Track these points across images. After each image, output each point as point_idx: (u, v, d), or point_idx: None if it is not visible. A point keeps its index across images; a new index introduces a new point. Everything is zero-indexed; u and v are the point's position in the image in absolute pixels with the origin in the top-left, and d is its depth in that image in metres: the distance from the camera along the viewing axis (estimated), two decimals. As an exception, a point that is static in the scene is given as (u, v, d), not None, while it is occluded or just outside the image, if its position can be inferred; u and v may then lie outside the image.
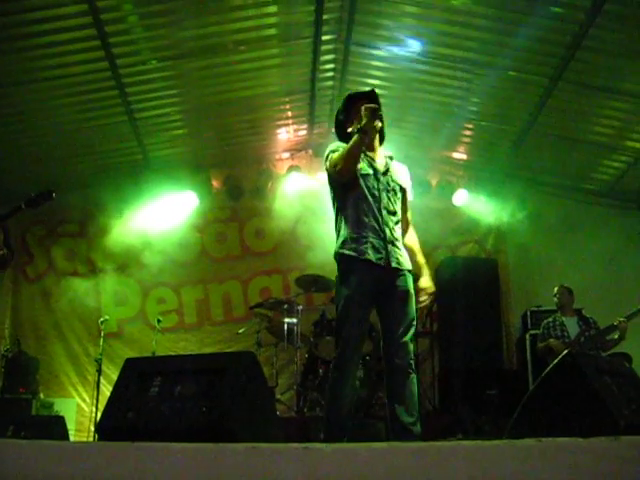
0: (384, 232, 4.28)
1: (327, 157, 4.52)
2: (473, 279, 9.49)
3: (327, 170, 4.51)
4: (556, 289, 8.09)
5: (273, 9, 7.76)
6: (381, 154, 4.58)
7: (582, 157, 9.74)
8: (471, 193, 10.43)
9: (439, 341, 9.77)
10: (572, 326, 7.77)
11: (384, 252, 4.24)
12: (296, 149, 10.86)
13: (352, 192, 4.38)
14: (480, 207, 10.55)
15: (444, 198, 10.49)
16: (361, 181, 4.37)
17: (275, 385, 8.40)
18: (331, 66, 9.13)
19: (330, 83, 9.50)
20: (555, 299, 8.09)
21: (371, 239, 4.26)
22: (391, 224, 4.35)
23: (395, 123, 9.68)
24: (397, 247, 4.33)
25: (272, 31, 8.09)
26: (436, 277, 10.14)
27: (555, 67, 7.97)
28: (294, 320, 8.50)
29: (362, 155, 4.41)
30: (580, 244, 9.83)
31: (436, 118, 9.67)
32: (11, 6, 6.80)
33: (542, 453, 2.27)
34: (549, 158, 9.89)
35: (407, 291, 4.26)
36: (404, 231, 4.58)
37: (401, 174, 4.63)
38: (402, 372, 4.11)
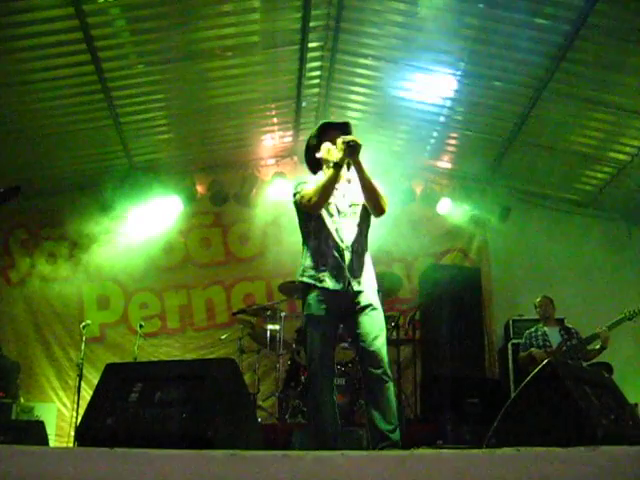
0: (344, 258, 4.34)
1: (297, 190, 4.57)
2: (456, 287, 9.51)
3: (296, 202, 4.56)
4: (538, 300, 8.13)
5: (260, 16, 7.76)
6: (343, 180, 4.61)
7: (566, 167, 9.80)
8: (455, 202, 10.46)
9: (422, 349, 9.79)
10: (554, 336, 7.80)
11: (343, 280, 4.31)
12: (281, 155, 10.87)
13: (316, 221, 4.47)
14: (464, 216, 10.59)
15: (428, 206, 10.53)
16: (323, 210, 4.45)
17: (257, 392, 8.38)
18: (317, 73, 9.15)
19: (316, 90, 9.52)
20: (537, 309, 8.13)
21: (330, 267, 4.34)
22: (353, 247, 4.40)
23: (380, 131, 9.73)
24: (360, 269, 4.40)
25: (259, 38, 8.08)
26: (419, 285, 10.20)
27: (540, 78, 8.03)
28: (277, 327, 8.49)
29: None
30: (563, 254, 9.89)
31: (421, 127, 9.70)
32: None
33: (520, 462, 2.29)
34: (533, 168, 9.95)
35: (369, 304, 4.31)
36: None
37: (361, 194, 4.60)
38: (377, 380, 4.15)
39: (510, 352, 9.00)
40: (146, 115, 9.19)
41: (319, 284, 4.32)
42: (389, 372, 4.21)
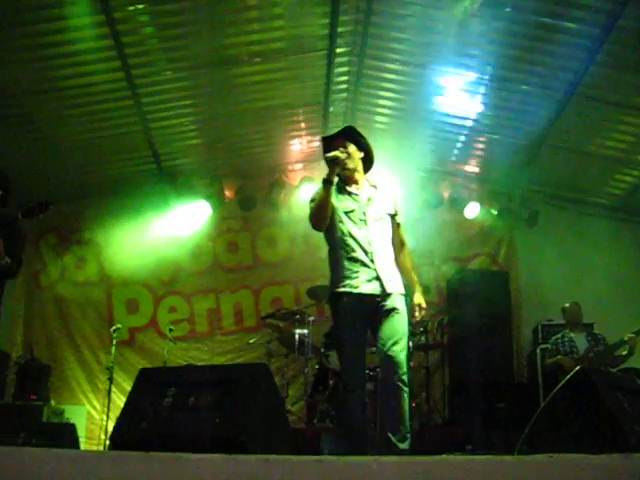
0: (373, 264, 4.42)
1: (309, 207, 4.70)
2: (484, 292, 9.45)
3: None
4: (567, 306, 8.09)
5: (287, 22, 7.78)
6: (365, 185, 4.71)
7: (594, 171, 9.72)
8: (483, 206, 10.42)
9: (450, 353, 9.74)
10: (581, 342, 7.76)
11: (376, 283, 4.39)
12: (309, 160, 10.88)
13: (338, 232, 4.54)
14: (492, 220, 10.54)
15: (456, 211, 10.49)
16: (345, 218, 4.54)
17: (285, 396, 8.39)
18: (345, 78, 9.15)
19: (344, 95, 9.53)
20: (565, 315, 8.09)
21: (360, 274, 4.41)
22: (381, 252, 4.48)
23: (407, 135, 9.72)
24: (388, 273, 4.46)
25: (286, 44, 8.11)
26: (447, 290, 10.16)
27: (569, 81, 7.98)
28: (305, 331, 8.50)
29: (344, 193, 4.62)
30: (591, 258, 9.79)
31: (448, 131, 9.69)
32: (28, 16, 6.87)
33: (553, 469, 2.28)
34: (561, 172, 9.89)
35: (393, 308, 4.37)
36: (398, 252, 4.70)
37: (387, 200, 4.72)
38: (391, 386, 4.16)
39: (539, 357, 8.94)
40: (175, 121, 9.25)
41: (354, 290, 4.37)
42: (405, 379, 4.20)
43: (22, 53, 7.33)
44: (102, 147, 9.35)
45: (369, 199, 4.61)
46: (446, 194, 10.53)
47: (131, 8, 7.13)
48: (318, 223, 4.55)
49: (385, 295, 4.37)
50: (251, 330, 10.19)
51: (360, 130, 4.88)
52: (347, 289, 4.41)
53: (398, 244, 4.71)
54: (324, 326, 8.74)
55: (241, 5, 7.43)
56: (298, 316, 8.64)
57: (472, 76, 8.36)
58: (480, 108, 8.98)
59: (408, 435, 4.09)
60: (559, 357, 7.68)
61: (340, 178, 4.63)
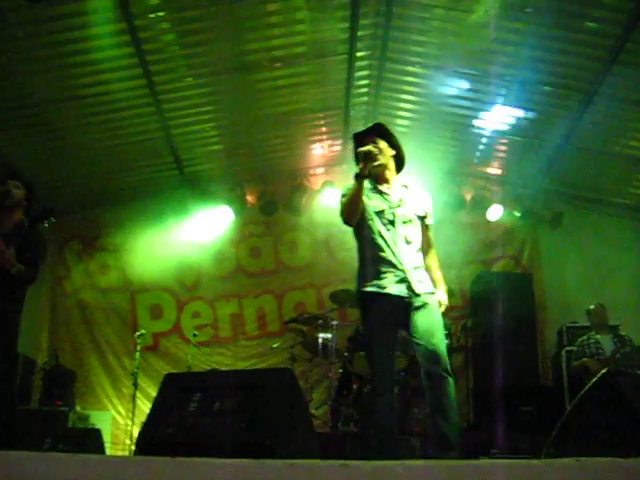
0: (402, 264, 4.38)
1: (339, 202, 4.70)
2: (508, 294, 9.39)
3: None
4: (592, 307, 8.03)
5: (308, 26, 7.80)
6: (396, 185, 4.67)
7: (618, 172, 9.65)
8: (506, 208, 10.37)
9: (474, 357, 9.70)
10: (607, 344, 7.70)
11: (405, 284, 4.35)
12: (330, 164, 10.89)
13: (367, 230, 4.51)
14: (515, 222, 10.49)
15: (478, 213, 10.45)
16: (375, 218, 4.50)
17: (310, 400, 8.39)
18: (365, 82, 9.16)
19: (365, 99, 9.53)
20: (590, 317, 8.03)
21: (390, 274, 4.37)
22: (409, 254, 4.45)
23: (428, 138, 9.70)
24: (416, 274, 4.42)
25: (307, 48, 8.13)
26: (471, 292, 10.11)
27: (591, 82, 7.92)
28: (328, 335, 8.48)
29: (375, 192, 4.59)
30: (616, 259, 9.73)
31: (470, 133, 9.66)
32: (50, 25, 6.94)
33: (581, 473, 2.26)
34: (584, 173, 9.82)
35: (425, 303, 4.34)
36: (425, 254, 4.66)
37: (418, 202, 4.68)
38: (438, 377, 4.15)
39: (564, 359, 8.86)
40: (196, 127, 9.30)
41: (382, 291, 4.34)
42: (449, 368, 4.20)
43: (44, 62, 7.41)
44: (124, 154, 9.42)
45: (400, 200, 4.56)
46: (468, 196, 10.49)
47: (152, 16, 7.19)
48: (349, 217, 4.53)
49: (414, 296, 4.33)
50: (274, 335, 10.21)
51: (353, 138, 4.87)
52: (374, 289, 4.38)
53: (426, 246, 4.67)
54: (347, 330, 8.75)
55: (261, 11, 7.45)
56: (321, 320, 8.64)
57: (493, 77, 8.32)
58: (501, 109, 8.94)
59: (458, 424, 4.11)
60: (585, 359, 7.62)
61: (371, 176, 4.59)
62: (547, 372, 9.80)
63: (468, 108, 9.10)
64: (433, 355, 4.18)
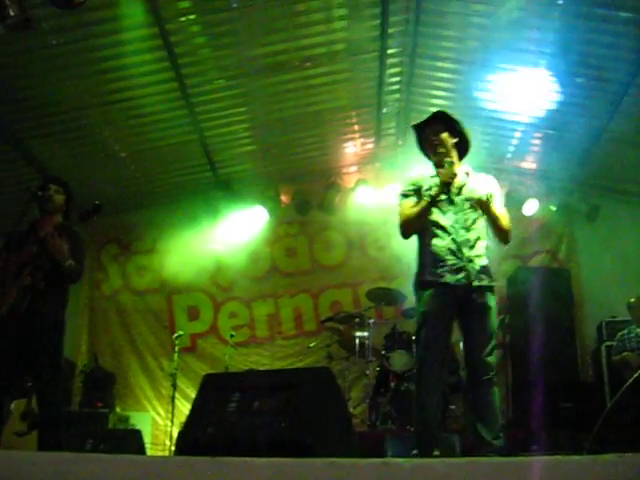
0: (462, 253, 4.31)
1: (399, 201, 4.66)
2: (546, 290, 9.29)
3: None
4: (632, 300, 7.92)
5: (338, 25, 7.80)
6: (459, 172, 4.58)
7: (655, 163, 9.50)
8: (541, 203, 10.26)
9: (512, 353, 9.62)
10: (648, 337, 7.60)
11: (463, 273, 4.29)
12: (363, 162, 10.88)
13: (427, 220, 4.46)
14: (551, 216, 10.37)
15: (514, 208, 10.28)
16: (434, 208, 4.45)
17: (347, 399, 8.38)
18: (397, 79, 9.13)
19: (396, 96, 9.49)
20: (630, 311, 7.92)
21: (449, 262, 4.32)
22: (470, 241, 4.38)
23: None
24: (476, 264, 4.34)
25: (337, 46, 8.14)
26: (508, 288, 10.02)
27: (625, 72, 7.81)
28: (365, 333, 8.49)
29: (435, 180, 4.54)
30: (655, 252, 9.59)
31: (503, 127, 9.58)
32: (83, 32, 7.02)
33: (624, 469, 2.23)
34: (621, 164, 9.67)
35: (484, 305, 4.28)
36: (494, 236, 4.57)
37: (480, 187, 4.56)
38: (482, 385, 4.12)
39: (604, 354, 8.75)
40: (229, 128, 9.35)
41: (440, 280, 4.31)
42: (494, 379, 4.20)
43: (78, 69, 7.50)
44: (158, 157, 9.52)
45: (460, 186, 4.51)
46: (503, 191, 10.37)
47: (183, 19, 7.25)
48: (408, 233, 4.55)
49: (473, 288, 4.27)
50: (311, 334, 10.22)
51: (414, 129, 4.84)
52: (431, 277, 4.36)
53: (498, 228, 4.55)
54: (384, 328, 8.73)
55: (291, 11, 7.47)
56: (358, 319, 8.64)
57: (525, 71, 8.23)
58: (534, 103, 8.86)
59: (501, 433, 4.07)
60: (625, 354, 7.53)
61: (434, 164, 4.60)
62: (587, 368, 9.67)
63: (500, 102, 9.02)
64: (482, 365, 4.17)
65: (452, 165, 4.44)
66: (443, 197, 4.45)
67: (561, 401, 8.18)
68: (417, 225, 4.47)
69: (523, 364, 9.15)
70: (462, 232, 4.37)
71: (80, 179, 9.17)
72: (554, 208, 10.27)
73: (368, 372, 8.43)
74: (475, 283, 4.27)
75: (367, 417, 8.19)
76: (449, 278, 4.29)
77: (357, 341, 8.49)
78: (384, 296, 8.77)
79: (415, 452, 4.17)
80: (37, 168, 9.03)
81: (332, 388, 3.31)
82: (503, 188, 10.23)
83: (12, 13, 5.23)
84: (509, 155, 10.17)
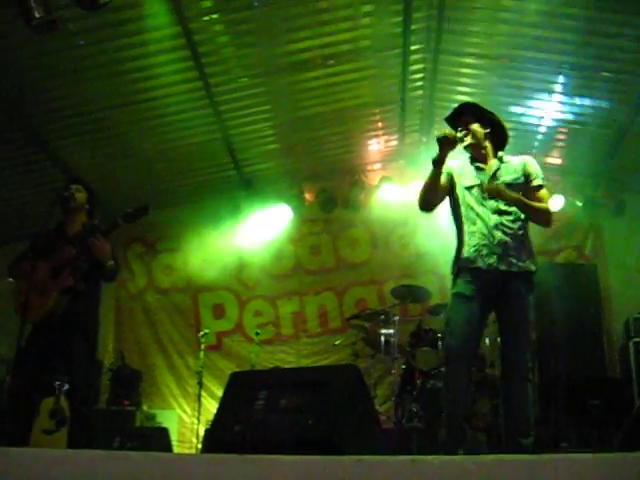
0: (494, 237, 4.28)
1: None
2: (572, 286, 9.23)
3: None
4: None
5: (361, 22, 7.79)
6: (493, 160, 4.60)
7: (682, 157, 9.40)
8: (567, 198, 10.17)
9: (539, 350, 9.55)
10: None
11: (495, 257, 4.25)
12: (387, 160, 10.85)
13: (460, 207, 4.49)
14: (577, 212, 10.28)
15: (540, 204, 10.27)
16: (467, 194, 4.47)
17: (373, 396, 8.38)
18: (420, 75, 9.08)
19: (420, 92, 9.45)
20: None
21: (481, 247, 4.30)
22: (503, 228, 4.32)
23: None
24: (511, 248, 4.29)
25: (361, 44, 8.11)
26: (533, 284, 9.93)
27: (652, 66, 7.74)
28: (391, 331, 8.47)
29: (469, 169, 4.56)
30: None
31: (527, 123, 9.51)
32: (107, 32, 7.06)
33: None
34: (647, 159, 9.59)
35: (520, 295, 4.23)
36: None
37: (516, 170, 4.54)
38: (514, 382, 4.08)
39: (632, 351, 8.67)
40: (253, 127, 9.36)
41: (471, 265, 4.30)
42: (528, 375, 4.15)
43: (102, 69, 7.54)
44: (182, 156, 9.55)
45: (494, 173, 4.49)
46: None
47: (206, 18, 7.27)
48: (423, 203, 4.56)
49: (507, 274, 4.24)
50: (336, 332, 10.22)
51: (439, 125, 4.83)
52: (463, 263, 4.36)
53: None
54: (409, 325, 8.71)
55: (313, 8, 7.46)
56: (383, 316, 8.62)
57: (550, 65, 8.17)
58: (559, 97, 8.79)
59: (531, 432, 4.02)
60: (654, 350, 7.46)
61: (471, 156, 4.62)
62: (614, 364, 9.58)
63: (525, 97, 8.96)
64: (514, 359, 4.14)
65: (461, 138, 4.49)
66: (476, 182, 4.46)
67: (589, 398, 8.11)
68: (429, 195, 4.49)
69: (550, 361, 9.10)
70: (494, 217, 4.33)
71: (105, 179, 9.27)
72: (580, 204, 10.18)
73: (394, 370, 8.40)
74: (503, 267, 4.22)
75: (393, 415, 8.18)
76: (480, 262, 4.27)
77: (382, 338, 8.48)
78: (409, 293, 8.75)
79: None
80: (63, 169, 9.09)
81: (359, 385, 3.31)
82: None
83: (38, 15, 5.26)
84: (533, 150, 10.09)
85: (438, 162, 4.39)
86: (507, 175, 4.48)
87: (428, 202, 4.53)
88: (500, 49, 8.15)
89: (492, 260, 4.24)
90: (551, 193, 10.02)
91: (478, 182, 4.46)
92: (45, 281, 4.94)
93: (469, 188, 4.47)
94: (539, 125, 9.52)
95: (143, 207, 5.18)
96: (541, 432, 8.06)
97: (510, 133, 9.51)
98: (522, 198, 4.35)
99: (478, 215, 4.37)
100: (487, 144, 4.62)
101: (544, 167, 10.19)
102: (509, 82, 8.71)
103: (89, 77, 7.57)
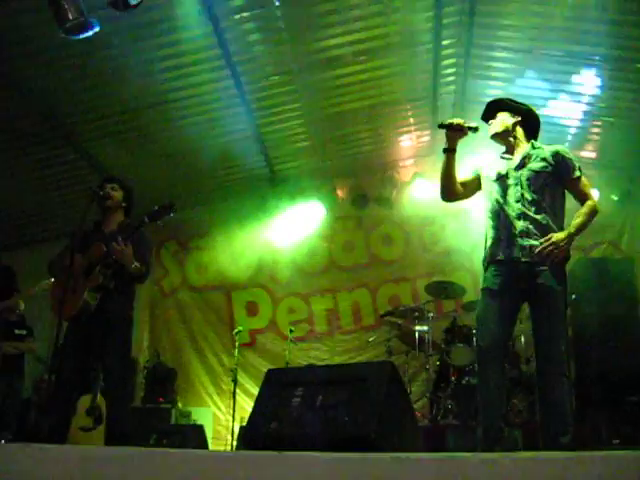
0: (516, 227, 4.23)
1: None
2: (608, 280, 9.12)
3: None
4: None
5: (392, 18, 7.75)
6: (522, 150, 4.52)
7: None
8: (602, 192, 10.04)
9: (574, 346, 9.45)
10: None
11: (516, 248, 4.20)
12: (420, 155, 10.80)
13: (488, 201, 4.47)
14: (612, 206, 10.15)
15: (574, 199, 10.15)
16: (494, 186, 4.43)
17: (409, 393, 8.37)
18: (452, 70, 9.03)
19: (452, 87, 9.40)
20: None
21: (503, 238, 4.27)
22: (527, 215, 4.24)
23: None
24: (532, 239, 4.20)
25: (391, 39, 8.07)
26: (569, 280, 9.84)
27: (688, 57, 7.62)
28: (425, 327, 8.45)
29: (497, 161, 4.54)
30: None
31: (561, 117, 9.41)
32: (139, 33, 7.11)
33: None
34: (683, 151, 9.46)
35: (548, 286, 4.13)
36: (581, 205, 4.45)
37: (546, 160, 4.42)
38: (549, 375, 4.03)
39: (670, 346, 8.56)
40: (285, 124, 9.38)
41: (496, 258, 4.28)
42: (564, 371, 4.06)
43: (136, 69, 7.57)
44: (215, 155, 9.56)
45: (522, 163, 4.42)
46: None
47: (237, 17, 7.28)
48: (442, 193, 4.59)
49: (532, 264, 4.16)
50: (370, 328, 10.23)
51: (471, 120, 4.78)
52: (489, 257, 4.35)
53: (581, 201, 4.49)
54: (444, 322, 8.69)
55: (344, 5, 7.44)
56: (417, 313, 8.61)
57: (583, 58, 8.09)
58: (593, 91, 8.69)
59: (569, 428, 3.94)
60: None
61: (505, 148, 4.59)
62: (653, 360, 9.47)
63: (557, 91, 8.87)
64: (548, 355, 4.06)
65: (469, 127, 4.47)
66: (502, 173, 4.43)
67: (626, 394, 8.02)
68: (445, 183, 4.53)
69: (586, 357, 9.00)
70: (517, 205, 4.27)
71: (139, 178, 9.30)
72: (615, 198, 10.07)
73: (428, 366, 8.38)
74: (525, 259, 4.15)
75: (428, 412, 8.15)
76: (501, 254, 4.24)
77: (417, 335, 8.47)
78: (443, 289, 8.72)
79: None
80: (97, 169, 9.19)
81: (396, 382, 3.29)
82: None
83: (71, 17, 5.30)
84: (567, 144, 9.98)
85: (448, 150, 4.47)
86: (535, 163, 4.39)
87: (445, 191, 4.55)
88: (531, 42, 8.06)
89: (514, 251, 4.19)
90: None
91: (504, 173, 4.42)
92: (78, 279, 4.98)
93: (495, 180, 4.44)
94: (572, 119, 9.42)
95: (168, 205, 5.18)
96: (578, 429, 7.99)
97: (543, 127, 9.50)
98: (574, 229, 4.30)
99: (501, 207, 4.32)
100: (518, 133, 4.58)
101: (579, 161, 10.13)
102: (541, 75, 8.60)
103: (122, 77, 7.62)
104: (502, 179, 4.40)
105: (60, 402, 4.94)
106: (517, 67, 8.60)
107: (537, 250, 4.13)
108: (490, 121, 4.65)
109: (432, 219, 10.33)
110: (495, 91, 9.13)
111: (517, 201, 4.29)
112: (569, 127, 9.64)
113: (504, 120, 4.59)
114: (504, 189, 4.36)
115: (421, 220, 10.43)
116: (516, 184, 4.34)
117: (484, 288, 4.34)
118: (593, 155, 10.24)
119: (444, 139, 4.60)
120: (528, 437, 6.78)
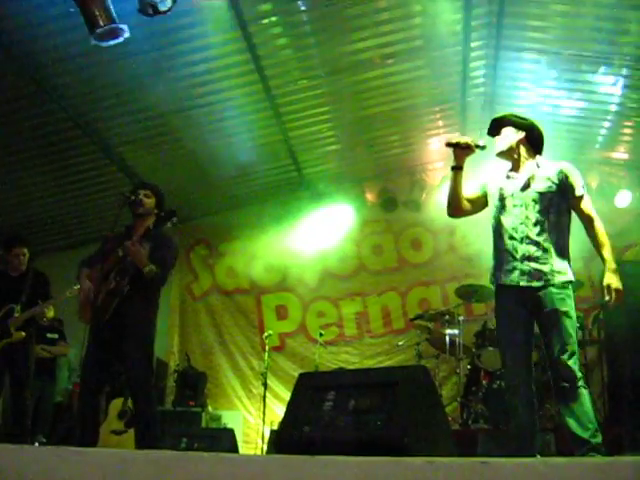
0: (517, 251, 4.22)
1: None
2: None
3: None
4: None
5: (420, 20, 7.74)
6: (528, 167, 4.46)
7: None
8: (635, 194, 9.95)
9: (607, 349, 9.36)
10: None
11: (516, 272, 4.21)
12: (449, 158, 10.65)
13: (492, 219, 4.46)
14: (644, 208, 10.06)
15: (606, 201, 10.00)
16: (499, 206, 4.41)
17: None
18: (481, 72, 8.98)
19: (481, 89, 9.33)
20: None
21: (505, 262, 4.28)
22: (529, 238, 4.22)
23: (549, 125, 9.42)
24: (535, 261, 4.19)
25: (420, 42, 8.06)
26: (600, 283, 9.73)
27: None
28: (455, 331, 8.41)
29: (502, 179, 4.51)
30: None
31: (592, 117, 9.33)
32: (169, 38, 7.16)
33: None
34: None
35: (553, 310, 4.10)
36: (587, 229, 4.36)
37: (550, 178, 4.35)
38: (567, 391, 4.01)
39: None
40: (313, 128, 9.41)
41: (499, 282, 4.30)
42: (580, 383, 4.00)
43: (166, 74, 7.65)
44: (244, 159, 9.60)
45: (526, 182, 4.37)
46: (594, 184, 10.07)
47: (265, 21, 7.32)
48: (449, 210, 4.60)
49: (534, 289, 4.15)
50: (399, 332, 10.20)
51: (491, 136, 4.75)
52: (495, 280, 4.36)
53: (585, 220, 4.37)
54: (474, 325, 8.64)
55: (372, 8, 7.44)
56: (447, 316, 8.56)
57: (613, 57, 8.00)
58: (623, 91, 8.59)
59: (597, 431, 3.91)
60: None
61: (511, 165, 4.55)
62: (686, 363, 9.35)
63: (587, 92, 8.79)
64: (562, 371, 4.03)
65: (477, 145, 4.44)
66: (506, 193, 4.39)
67: (659, 398, 7.92)
68: (451, 200, 4.54)
69: (619, 360, 8.90)
70: (521, 228, 4.25)
71: (168, 183, 9.38)
72: (649, 198, 9.95)
73: (459, 370, 8.34)
74: (523, 283, 4.16)
75: (458, 416, 8.10)
76: (503, 279, 4.27)
77: (447, 339, 8.43)
78: (474, 293, 8.65)
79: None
80: (128, 173, 9.28)
81: (428, 386, 3.28)
82: (593, 181, 10.00)
83: (102, 23, 5.35)
84: (597, 145, 9.90)
85: (456, 168, 4.45)
86: (540, 183, 4.33)
87: (451, 207, 4.55)
88: (560, 43, 7.98)
89: (514, 276, 4.21)
90: (618, 188, 9.85)
91: (509, 194, 4.38)
92: (99, 283, 5.01)
93: (501, 199, 4.40)
94: (602, 119, 9.33)
95: (171, 212, 5.24)
96: (610, 433, 7.92)
97: (573, 129, 9.45)
98: (612, 261, 4.31)
99: (504, 228, 4.31)
100: (522, 150, 4.52)
101: (610, 162, 10.09)
102: (570, 77, 8.54)
103: (153, 83, 7.68)
104: (507, 200, 4.37)
105: (86, 406, 4.97)
106: (545, 68, 8.53)
107: (610, 305, 4.31)
108: (496, 137, 4.60)
109: (460, 222, 10.19)
110: (524, 92, 9.10)
111: (521, 223, 4.27)
112: (600, 128, 9.53)
113: (508, 137, 4.53)
114: (509, 210, 4.34)
115: (450, 223, 10.35)
116: (521, 205, 4.31)
117: (495, 310, 4.44)
118: (625, 156, 10.14)
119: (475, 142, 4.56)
120: (561, 441, 6.72)
